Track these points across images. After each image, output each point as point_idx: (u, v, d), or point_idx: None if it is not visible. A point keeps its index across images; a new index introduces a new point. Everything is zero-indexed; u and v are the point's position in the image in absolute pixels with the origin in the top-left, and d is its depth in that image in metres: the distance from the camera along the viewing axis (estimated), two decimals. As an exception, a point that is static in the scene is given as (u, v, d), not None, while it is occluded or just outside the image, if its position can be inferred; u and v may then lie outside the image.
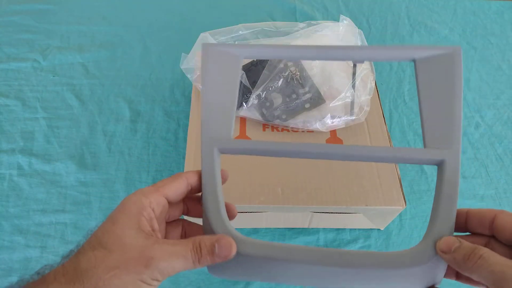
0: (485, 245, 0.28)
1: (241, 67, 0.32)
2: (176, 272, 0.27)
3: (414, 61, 0.31)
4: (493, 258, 0.25)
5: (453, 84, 0.30)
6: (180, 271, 0.27)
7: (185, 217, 0.38)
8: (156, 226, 0.28)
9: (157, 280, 0.26)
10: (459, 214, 0.29)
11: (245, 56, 0.33)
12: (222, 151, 0.32)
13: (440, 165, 0.30)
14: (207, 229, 0.30)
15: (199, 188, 0.31)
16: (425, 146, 0.30)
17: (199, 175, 0.31)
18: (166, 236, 0.32)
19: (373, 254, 0.29)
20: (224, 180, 0.33)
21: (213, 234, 0.29)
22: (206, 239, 0.28)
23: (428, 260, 0.28)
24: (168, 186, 0.30)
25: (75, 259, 0.25)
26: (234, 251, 0.28)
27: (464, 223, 0.30)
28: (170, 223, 0.32)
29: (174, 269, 0.26)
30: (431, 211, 0.30)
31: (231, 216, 0.32)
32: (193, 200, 0.33)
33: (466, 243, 0.26)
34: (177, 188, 0.30)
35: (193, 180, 0.31)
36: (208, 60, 0.32)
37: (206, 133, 0.32)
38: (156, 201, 0.28)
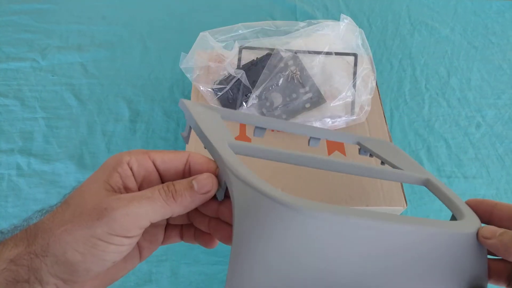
0: None
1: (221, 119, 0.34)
2: (147, 223, 0.22)
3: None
4: None
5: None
6: (151, 220, 0.23)
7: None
8: (132, 185, 0.24)
9: (120, 236, 0.22)
10: (485, 205, 0.28)
11: (222, 115, 0.35)
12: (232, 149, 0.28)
13: (427, 182, 0.33)
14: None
15: (200, 171, 0.26)
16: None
17: (207, 159, 0.26)
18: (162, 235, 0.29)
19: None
20: None
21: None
22: (181, 180, 0.24)
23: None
24: (162, 153, 0.25)
25: (40, 219, 0.23)
26: (215, 184, 0.24)
27: (489, 216, 0.27)
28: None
29: (137, 216, 0.22)
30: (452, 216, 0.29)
31: None
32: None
33: (510, 231, 0.24)
34: (171, 158, 0.26)
35: (197, 160, 0.26)
36: (193, 109, 0.32)
37: (213, 138, 0.27)
38: (138, 161, 0.24)
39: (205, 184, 0.24)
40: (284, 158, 0.30)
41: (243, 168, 0.23)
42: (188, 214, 0.29)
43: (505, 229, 0.24)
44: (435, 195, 0.32)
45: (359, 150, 0.44)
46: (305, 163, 0.31)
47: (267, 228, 0.21)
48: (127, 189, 0.24)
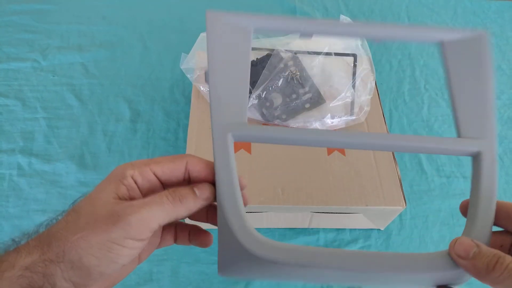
0: (502, 242, 0.26)
1: (251, 40, 0.29)
2: (156, 225, 0.24)
3: (441, 43, 0.30)
4: None
5: (483, 70, 0.29)
6: (160, 223, 0.25)
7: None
8: (138, 196, 0.26)
9: (134, 239, 0.24)
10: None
11: (256, 28, 0.30)
12: (237, 138, 0.28)
13: (476, 156, 0.28)
14: (223, 226, 0.27)
15: (199, 178, 0.28)
16: (459, 136, 0.29)
17: (204, 164, 0.28)
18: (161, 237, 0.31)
19: (400, 257, 0.26)
20: (242, 187, 0.29)
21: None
22: (183, 187, 0.26)
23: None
24: (161, 164, 0.27)
25: (50, 226, 0.25)
26: (212, 192, 0.27)
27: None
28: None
29: (149, 220, 0.24)
30: (468, 208, 0.28)
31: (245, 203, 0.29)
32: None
33: (485, 248, 0.24)
34: (171, 169, 0.27)
35: (194, 167, 0.28)
36: (214, 32, 0.29)
37: (218, 118, 0.28)
38: (142, 175, 0.26)
39: (205, 191, 0.27)
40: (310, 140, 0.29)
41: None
42: None
43: (479, 247, 0.24)
44: (472, 179, 0.28)
45: None
46: (334, 142, 0.29)
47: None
48: (132, 199, 0.26)
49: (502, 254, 0.23)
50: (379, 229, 0.55)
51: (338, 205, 0.47)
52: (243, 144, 0.51)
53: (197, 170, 0.28)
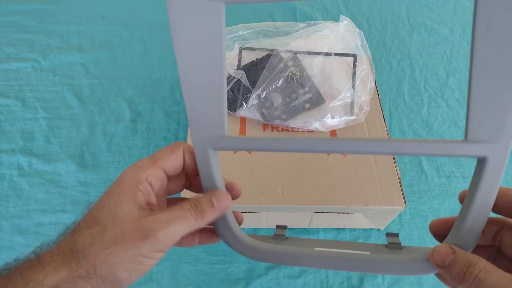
0: (499, 229, 0.26)
1: (224, 21, 0.23)
2: (181, 236, 0.26)
3: None
4: (490, 279, 0.22)
5: None
6: (184, 234, 0.26)
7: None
8: (153, 200, 0.27)
9: (161, 251, 0.25)
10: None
11: (227, 1, 0.23)
12: (218, 149, 0.28)
13: (481, 160, 0.25)
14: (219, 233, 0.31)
15: (192, 167, 0.29)
16: (466, 134, 0.24)
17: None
18: None
19: (385, 261, 0.28)
20: (236, 196, 0.31)
21: (208, 193, 0.28)
22: (201, 196, 0.27)
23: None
24: (167, 158, 0.28)
25: (71, 238, 0.24)
26: (229, 201, 0.28)
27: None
28: (171, 201, 0.31)
29: (175, 235, 0.25)
30: (460, 210, 0.27)
31: (237, 194, 0.31)
32: (195, 173, 0.30)
33: (460, 256, 0.24)
34: (176, 160, 0.28)
35: (189, 156, 0.29)
36: (178, 16, 0.23)
37: (196, 131, 0.27)
38: (153, 175, 0.27)
39: (222, 201, 0.28)
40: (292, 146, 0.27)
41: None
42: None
43: (454, 253, 0.24)
44: (471, 180, 0.26)
45: None
46: (325, 148, 0.27)
47: None
48: (149, 205, 0.26)
49: (474, 261, 0.23)
50: (379, 229, 0.55)
51: (338, 205, 0.47)
52: (243, 144, 0.51)
53: (191, 158, 0.29)
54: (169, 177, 0.29)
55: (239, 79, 0.54)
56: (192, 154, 0.29)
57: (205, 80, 0.25)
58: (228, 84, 0.54)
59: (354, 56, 0.56)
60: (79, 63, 0.72)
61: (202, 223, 0.26)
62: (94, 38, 0.76)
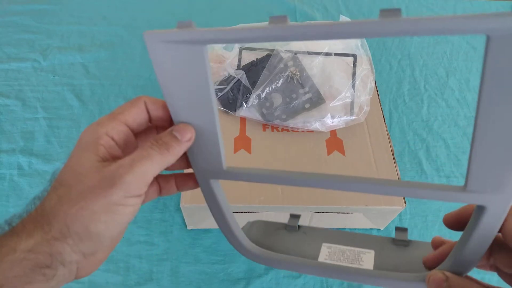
0: (491, 253, 0.26)
1: (208, 59, 0.23)
2: (152, 175, 0.25)
3: (487, 37, 0.18)
4: None
5: None
6: (155, 171, 0.25)
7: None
8: (119, 153, 0.26)
9: (134, 196, 0.24)
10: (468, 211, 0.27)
11: (210, 43, 0.22)
12: (219, 178, 0.29)
13: (480, 207, 0.24)
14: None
15: (159, 117, 0.27)
16: (466, 182, 0.23)
17: (161, 102, 0.27)
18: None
19: (385, 277, 0.29)
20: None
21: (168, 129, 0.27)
22: (162, 133, 0.26)
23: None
24: (127, 112, 0.26)
25: (40, 205, 0.24)
26: (193, 132, 0.26)
27: None
28: (162, 177, 0.30)
29: (144, 174, 0.24)
30: (455, 247, 0.27)
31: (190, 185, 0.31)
32: (166, 124, 0.28)
33: (453, 282, 0.25)
34: (138, 113, 0.27)
35: (152, 107, 0.27)
36: (160, 60, 0.24)
37: (195, 164, 0.28)
38: (115, 129, 0.26)
39: (186, 133, 0.26)
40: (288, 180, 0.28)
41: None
42: None
43: (448, 282, 0.25)
44: (469, 222, 0.26)
45: None
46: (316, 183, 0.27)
47: None
48: (114, 158, 0.25)
49: (469, 287, 0.24)
50: (379, 229, 0.55)
51: (338, 205, 0.47)
52: (243, 144, 0.51)
53: (155, 108, 0.27)
54: (136, 133, 0.28)
55: (239, 79, 0.54)
56: (156, 103, 0.27)
57: (196, 120, 0.26)
58: (228, 84, 0.54)
59: (354, 56, 0.56)
60: (79, 63, 0.72)
61: (171, 158, 0.25)
62: (94, 38, 0.76)
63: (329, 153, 0.51)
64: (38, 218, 0.23)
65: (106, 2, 0.83)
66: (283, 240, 0.33)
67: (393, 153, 0.51)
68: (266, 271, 0.51)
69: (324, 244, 0.33)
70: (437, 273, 0.26)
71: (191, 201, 0.46)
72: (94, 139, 0.25)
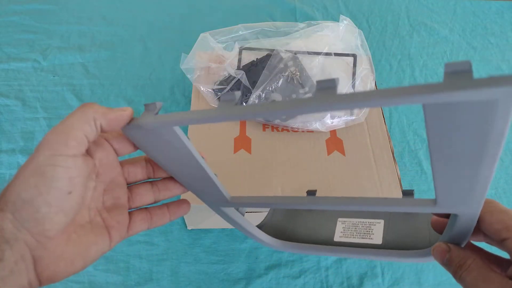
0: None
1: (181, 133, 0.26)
2: (80, 133, 0.23)
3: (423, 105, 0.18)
4: (468, 278, 0.25)
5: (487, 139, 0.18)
6: (86, 130, 0.24)
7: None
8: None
9: (62, 155, 0.23)
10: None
11: (177, 125, 0.25)
12: (228, 206, 0.33)
13: (452, 216, 0.26)
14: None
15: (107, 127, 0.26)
16: (436, 198, 0.24)
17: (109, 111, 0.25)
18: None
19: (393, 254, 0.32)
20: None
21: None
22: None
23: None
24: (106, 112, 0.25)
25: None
26: (130, 110, 0.26)
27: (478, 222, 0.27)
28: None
29: (68, 130, 0.23)
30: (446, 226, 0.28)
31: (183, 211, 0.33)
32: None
33: (454, 254, 0.26)
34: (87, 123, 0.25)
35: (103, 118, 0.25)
36: (143, 139, 0.27)
37: (204, 199, 0.32)
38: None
39: (126, 109, 0.26)
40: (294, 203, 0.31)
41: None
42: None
43: (450, 252, 0.27)
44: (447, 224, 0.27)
45: None
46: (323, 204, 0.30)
47: None
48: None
49: (463, 261, 0.26)
50: (379, 229, 0.55)
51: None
52: (243, 144, 0.51)
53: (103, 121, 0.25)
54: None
55: (239, 79, 0.54)
56: (105, 114, 0.25)
57: (190, 174, 0.29)
58: (228, 84, 0.54)
59: (354, 56, 0.56)
60: (79, 63, 0.72)
61: (103, 120, 0.24)
62: (94, 38, 0.76)
63: (329, 153, 0.51)
64: None
65: (106, 2, 0.83)
66: (304, 221, 0.38)
67: (393, 153, 0.51)
68: (266, 271, 0.51)
69: (339, 219, 0.37)
70: (440, 245, 0.27)
71: (191, 201, 0.46)
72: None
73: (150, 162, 0.30)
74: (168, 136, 0.25)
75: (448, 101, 0.16)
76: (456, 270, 0.26)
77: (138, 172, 0.30)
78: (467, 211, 0.24)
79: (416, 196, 0.30)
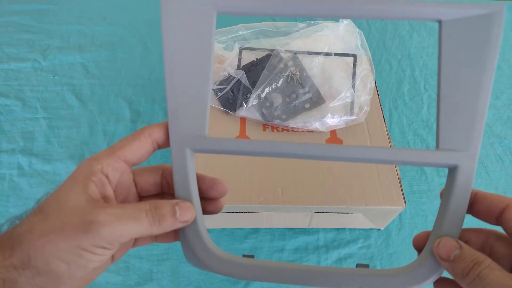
0: (486, 239, 0.26)
1: (214, 28, 0.25)
2: (130, 238, 0.23)
3: (439, 22, 0.24)
4: (492, 275, 0.22)
5: (484, 60, 0.24)
6: (135, 236, 0.24)
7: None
8: (110, 193, 0.25)
9: (103, 248, 0.23)
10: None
11: (219, 12, 0.25)
12: (197, 151, 0.27)
13: (452, 169, 0.26)
14: (183, 241, 0.29)
15: (167, 143, 0.27)
16: (437, 144, 0.26)
17: (165, 127, 0.27)
18: None
19: (368, 277, 0.26)
20: (221, 194, 0.29)
21: (172, 200, 0.26)
22: (164, 202, 0.25)
23: (431, 275, 0.26)
24: (128, 146, 0.25)
25: (14, 227, 0.23)
26: (193, 214, 0.26)
27: (470, 206, 0.26)
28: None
29: (122, 234, 0.23)
30: (436, 219, 0.27)
31: (222, 192, 0.29)
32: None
33: (467, 252, 0.24)
34: (139, 148, 0.26)
35: (158, 135, 0.26)
36: (169, 19, 0.26)
37: (175, 130, 0.26)
38: (111, 166, 0.24)
39: (186, 213, 0.25)
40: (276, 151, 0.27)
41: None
42: None
43: (461, 249, 0.24)
44: (445, 189, 0.27)
45: None
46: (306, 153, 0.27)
47: None
48: (105, 198, 0.25)
49: (481, 259, 0.23)
50: (379, 229, 0.55)
51: (338, 205, 0.47)
52: (243, 144, 0.51)
53: (161, 136, 0.26)
54: (133, 165, 0.27)
55: (239, 79, 0.54)
56: (160, 129, 0.26)
57: (191, 79, 0.26)
58: (228, 84, 0.54)
59: (354, 56, 0.56)
60: (79, 63, 0.72)
61: (157, 231, 0.24)
62: (94, 38, 0.76)
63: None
64: (5, 240, 0.22)
65: (106, 2, 0.83)
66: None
67: (393, 153, 0.51)
68: (266, 271, 0.51)
69: None
70: (449, 240, 0.25)
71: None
72: (88, 175, 0.24)
73: (165, 177, 0.29)
74: (203, 24, 0.25)
75: (464, 15, 0.23)
76: (470, 268, 0.23)
77: (151, 187, 0.29)
78: (467, 159, 0.25)
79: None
